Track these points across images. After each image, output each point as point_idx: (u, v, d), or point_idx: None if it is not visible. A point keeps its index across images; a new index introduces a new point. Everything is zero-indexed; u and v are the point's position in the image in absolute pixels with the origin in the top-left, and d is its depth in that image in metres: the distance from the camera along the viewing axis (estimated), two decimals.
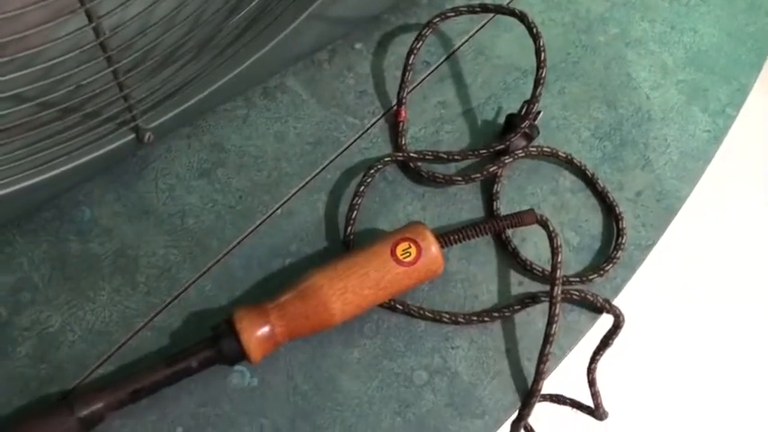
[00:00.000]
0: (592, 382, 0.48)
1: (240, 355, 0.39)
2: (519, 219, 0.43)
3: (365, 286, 0.40)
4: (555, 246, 0.42)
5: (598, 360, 0.48)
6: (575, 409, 0.50)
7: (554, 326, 0.42)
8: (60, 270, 0.43)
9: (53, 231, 0.44)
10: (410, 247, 0.40)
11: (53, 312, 0.42)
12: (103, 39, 0.34)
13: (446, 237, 0.43)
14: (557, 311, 0.42)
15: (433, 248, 0.41)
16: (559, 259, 0.42)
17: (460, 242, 0.43)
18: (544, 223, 0.43)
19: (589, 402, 0.48)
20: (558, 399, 0.51)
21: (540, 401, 0.48)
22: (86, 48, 0.33)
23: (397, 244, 0.40)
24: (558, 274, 0.42)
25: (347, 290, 0.40)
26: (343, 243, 0.44)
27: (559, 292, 0.42)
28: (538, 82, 0.46)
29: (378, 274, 0.40)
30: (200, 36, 0.41)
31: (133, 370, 0.39)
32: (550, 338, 0.42)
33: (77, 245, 0.44)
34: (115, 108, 0.39)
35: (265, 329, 0.39)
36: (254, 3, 0.40)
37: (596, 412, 0.48)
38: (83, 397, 0.38)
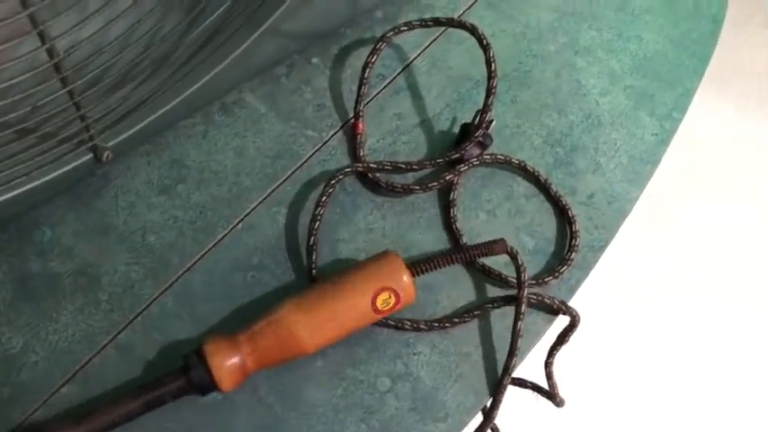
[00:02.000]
0: (549, 375, 0.49)
1: (211, 386, 0.39)
2: (489, 248, 0.44)
3: (337, 325, 0.41)
4: (522, 280, 0.44)
5: (555, 355, 0.49)
6: (536, 393, 0.51)
7: (520, 322, 0.43)
8: (21, 291, 0.43)
9: (13, 252, 0.44)
10: (390, 297, 0.41)
11: (14, 334, 0.42)
12: (57, 60, 0.34)
13: (418, 267, 0.43)
14: (522, 310, 0.43)
15: (411, 293, 0.42)
16: (525, 278, 0.44)
17: (432, 271, 0.44)
18: (513, 255, 0.44)
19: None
20: (520, 383, 0.52)
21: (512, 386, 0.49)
22: (41, 69, 0.34)
23: (377, 294, 0.41)
24: (525, 290, 0.44)
25: (321, 327, 0.41)
26: (308, 260, 0.45)
27: (525, 294, 0.43)
28: (489, 92, 0.47)
29: (356, 323, 0.41)
30: (157, 54, 0.41)
31: (104, 401, 0.39)
32: (518, 335, 0.43)
33: (38, 265, 0.44)
34: (72, 128, 0.40)
35: (236, 360, 0.39)
36: (209, 20, 0.41)
37: (554, 399, 0.50)
38: (51, 428, 0.38)
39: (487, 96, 0.47)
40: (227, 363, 0.39)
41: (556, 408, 0.54)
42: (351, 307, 0.41)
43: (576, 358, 1.21)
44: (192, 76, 0.43)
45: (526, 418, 1.13)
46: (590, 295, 1.21)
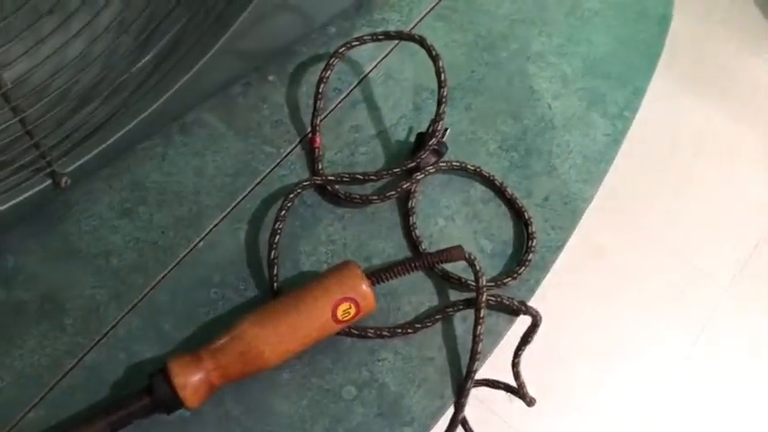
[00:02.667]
0: (516, 375, 0.50)
1: (177, 404, 0.40)
2: (447, 255, 0.45)
3: (300, 338, 0.42)
4: (479, 285, 0.45)
5: (520, 355, 0.50)
6: (506, 392, 0.52)
7: (480, 326, 0.44)
8: None
9: None
10: (350, 307, 0.42)
11: None
12: (5, 90, 0.35)
13: (377, 276, 0.44)
14: (482, 315, 0.44)
15: (371, 302, 0.42)
16: (483, 282, 0.44)
17: (391, 279, 0.45)
18: (471, 261, 0.45)
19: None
20: (491, 383, 0.53)
21: (475, 386, 0.50)
22: None
23: (338, 305, 0.42)
24: (484, 295, 0.45)
25: (282, 341, 0.41)
26: (269, 274, 0.45)
27: (484, 299, 0.44)
28: (440, 101, 0.48)
29: (317, 333, 0.42)
30: (111, 78, 0.42)
31: (71, 423, 0.39)
32: (479, 338, 0.44)
33: (2, 293, 0.44)
34: (29, 156, 0.40)
35: (200, 377, 0.40)
36: (162, 42, 0.42)
37: (525, 399, 0.51)
38: None
39: (439, 105, 0.48)
40: (191, 380, 0.40)
41: (527, 407, 0.55)
42: (311, 319, 0.42)
43: (544, 357, 1.23)
44: (146, 99, 0.44)
45: (501, 418, 1.15)
46: (556, 293, 1.23)
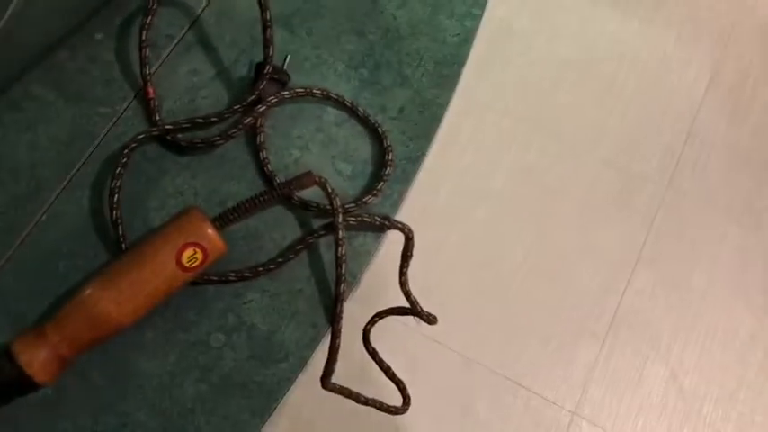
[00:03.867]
0: (407, 294, 0.49)
1: (29, 383, 0.38)
2: (297, 183, 0.43)
3: (148, 292, 0.40)
4: (335, 206, 0.43)
5: (406, 273, 0.49)
6: (413, 316, 0.51)
7: (341, 248, 0.43)
8: None
9: None
10: (195, 252, 0.40)
11: None
12: None
13: (224, 217, 0.42)
14: (340, 236, 0.43)
15: (218, 243, 0.41)
16: (337, 203, 0.43)
17: (241, 219, 0.43)
18: (322, 185, 0.43)
19: None
20: (397, 311, 0.52)
21: (380, 319, 0.49)
22: None
23: (181, 252, 0.40)
24: (340, 216, 0.43)
25: (129, 299, 0.39)
26: (116, 235, 0.43)
27: (341, 219, 0.43)
28: (265, 25, 0.46)
29: (166, 285, 0.40)
30: None
31: None
32: (341, 260, 0.43)
33: None
34: None
35: (47, 351, 0.38)
36: None
37: (422, 316, 0.50)
38: None
39: (264, 30, 0.46)
40: (37, 356, 0.38)
41: (429, 325, 0.54)
42: (156, 271, 0.40)
43: (495, 281, 1.24)
44: None
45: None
46: (492, 217, 1.23)
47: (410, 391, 0.51)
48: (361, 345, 0.51)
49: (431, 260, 1.20)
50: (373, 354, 0.54)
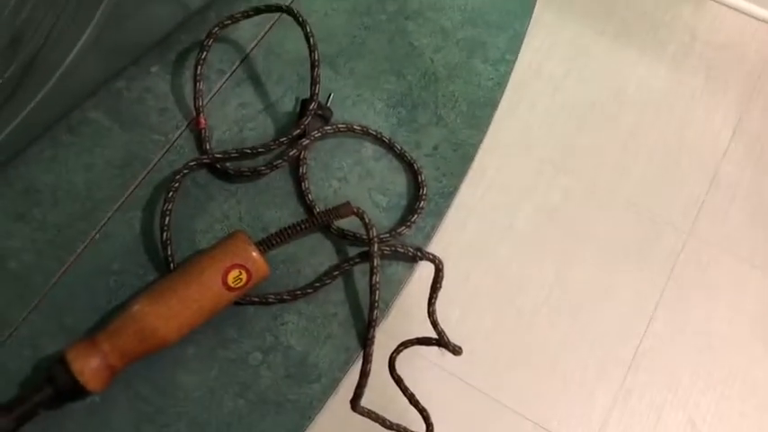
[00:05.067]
0: (434, 324, 0.51)
1: (79, 390, 0.40)
2: (336, 212, 0.46)
3: (194, 310, 0.42)
4: (371, 236, 0.45)
5: (434, 304, 0.51)
6: (438, 347, 0.53)
7: (375, 276, 0.45)
8: None
9: None
10: (241, 273, 0.43)
11: None
12: None
13: (268, 242, 0.45)
14: (375, 264, 0.45)
15: (262, 266, 0.43)
16: (374, 233, 0.46)
17: (283, 244, 0.46)
18: (360, 215, 0.46)
19: None
20: (423, 341, 0.54)
21: (406, 348, 0.51)
22: None
23: (227, 273, 0.43)
24: (375, 245, 0.46)
25: (176, 315, 0.42)
26: (165, 255, 0.46)
27: (377, 249, 0.45)
28: (313, 64, 0.49)
29: (211, 304, 0.43)
30: None
31: None
32: (375, 287, 0.45)
33: None
34: None
35: (98, 361, 0.41)
36: (31, 45, 0.43)
37: (448, 348, 0.51)
38: None
39: (312, 69, 0.49)
40: (89, 365, 0.40)
41: (455, 356, 0.56)
42: (203, 290, 0.42)
43: (516, 319, 1.25)
44: (22, 101, 0.45)
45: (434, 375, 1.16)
46: (514, 254, 1.25)
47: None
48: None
49: (453, 295, 1.22)
50: (398, 381, 0.56)
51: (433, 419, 0.55)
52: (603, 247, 1.33)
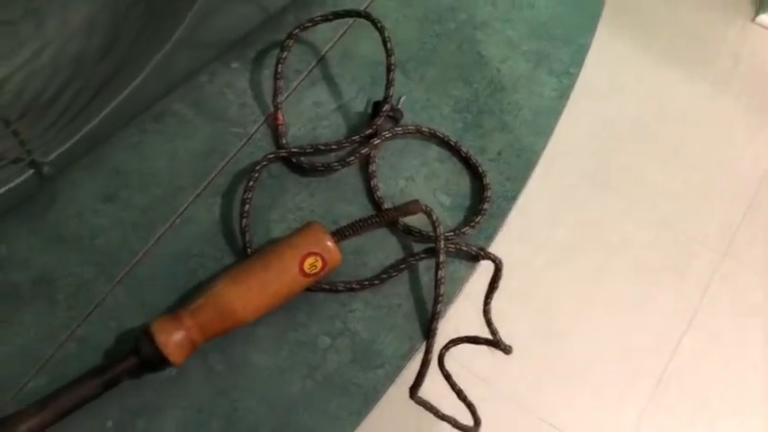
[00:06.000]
0: (488, 323, 0.53)
1: (161, 361, 0.43)
2: (405, 209, 0.48)
3: (271, 293, 0.45)
4: (438, 233, 0.48)
5: (490, 302, 0.53)
6: (487, 346, 0.55)
7: (441, 271, 0.47)
8: None
9: None
10: (316, 261, 0.45)
11: None
12: None
13: (341, 232, 0.48)
14: (441, 260, 0.47)
15: (336, 255, 0.46)
16: (440, 231, 0.48)
17: (354, 236, 0.48)
18: (428, 212, 0.49)
19: None
20: (472, 339, 0.56)
21: (454, 345, 0.53)
22: None
23: (304, 259, 0.45)
24: (442, 242, 0.48)
25: (254, 297, 0.45)
26: (242, 241, 0.49)
27: (443, 245, 0.47)
28: (389, 68, 0.52)
29: (288, 288, 0.46)
30: (83, 74, 0.46)
31: (64, 385, 0.43)
32: (441, 281, 0.47)
33: None
34: (13, 149, 0.44)
35: (181, 335, 0.43)
36: (127, 38, 0.46)
37: (499, 347, 0.54)
38: (22, 415, 0.42)
39: (388, 72, 0.52)
40: (173, 338, 0.43)
41: (505, 355, 0.58)
42: (280, 274, 0.45)
43: (546, 332, 1.26)
44: (114, 92, 0.48)
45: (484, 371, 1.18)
46: (550, 269, 1.27)
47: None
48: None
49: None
50: (447, 376, 0.58)
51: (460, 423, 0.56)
52: (638, 263, 1.34)
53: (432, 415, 0.53)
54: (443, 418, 0.54)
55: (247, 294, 0.44)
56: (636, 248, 1.35)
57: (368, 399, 0.46)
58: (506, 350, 0.57)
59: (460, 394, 0.57)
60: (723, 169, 1.44)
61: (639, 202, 1.40)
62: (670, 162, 1.44)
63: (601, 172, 1.41)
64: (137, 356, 0.43)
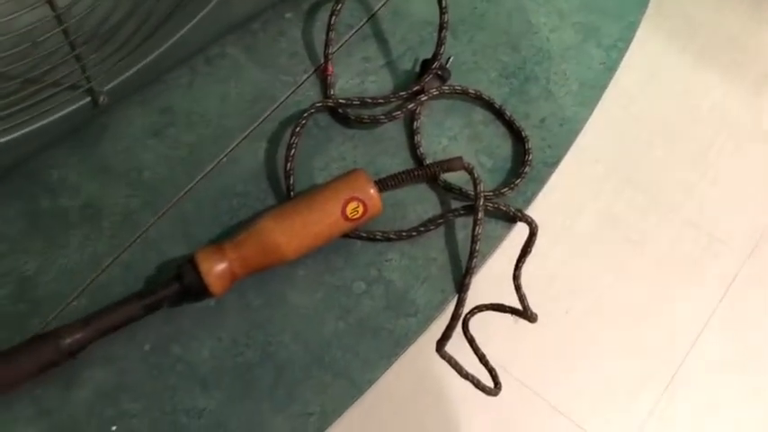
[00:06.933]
0: (518, 288, 0.54)
1: (203, 290, 0.44)
2: (448, 164, 0.49)
3: (313, 233, 0.46)
4: (477, 191, 0.49)
5: (521, 267, 0.54)
6: (511, 314, 0.55)
7: (478, 227, 0.48)
8: (34, 224, 0.48)
9: (26, 193, 0.49)
10: (358, 206, 0.46)
11: (30, 259, 0.47)
12: (59, 13, 0.40)
13: (384, 182, 0.49)
14: (479, 217, 0.48)
15: (378, 203, 0.47)
16: (481, 189, 0.49)
17: (396, 188, 0.49)
18: (470, 170, 0.49)
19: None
20: (496, 307, 0.56)
21: (479, 312, 0.54)
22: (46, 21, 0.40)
23: (346, 203, 0.46)
24: (482, 199, 0.49)
25: (297, 235, 0.46)
26: (286, 184, 0.50)
27: (482, 203, 0.48)
28: (441, 26, 0.52)
29: (329, 230, 0.46)
30: (145, 7, 0.47)
31: (108, 304, 0.44)
32: (477, 237, 0.48)
33: (48, 201, 0.49)
34: (73, 75, 0.45)
35: (224, 266, 0.45)
36: None
37: (526, 315, 0.54)
38: (67, 329, 0.43)
39: (440, 30, 0.52)
40: (216, 268, 0.44)
41: (530, 323, 0.58)
42: (323, 215, 0.46)
43: (569, 323, 1.27)
44: (173, 28, 0.49)
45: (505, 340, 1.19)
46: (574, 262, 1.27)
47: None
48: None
49: (504, 289, 1.24)
50: (471, 341, 0.59)
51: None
52: (659, 261, 1.34)
53: (454, 373, 0.54)
54: (466, 376, 0.55)
55: (291, 232, 0.45)
56: (658, 244, 1.35)
57: (398, 344, 0.47)
58: (532, 318, 0.57)
59: (483, 359, 0.58)
60: (752, 173, 1.44)
61: (665, 199, 1.39)
62: (698, 163, 1.43)
63: (628, 166, 1.41)
64: (179, 283, 0.45)
